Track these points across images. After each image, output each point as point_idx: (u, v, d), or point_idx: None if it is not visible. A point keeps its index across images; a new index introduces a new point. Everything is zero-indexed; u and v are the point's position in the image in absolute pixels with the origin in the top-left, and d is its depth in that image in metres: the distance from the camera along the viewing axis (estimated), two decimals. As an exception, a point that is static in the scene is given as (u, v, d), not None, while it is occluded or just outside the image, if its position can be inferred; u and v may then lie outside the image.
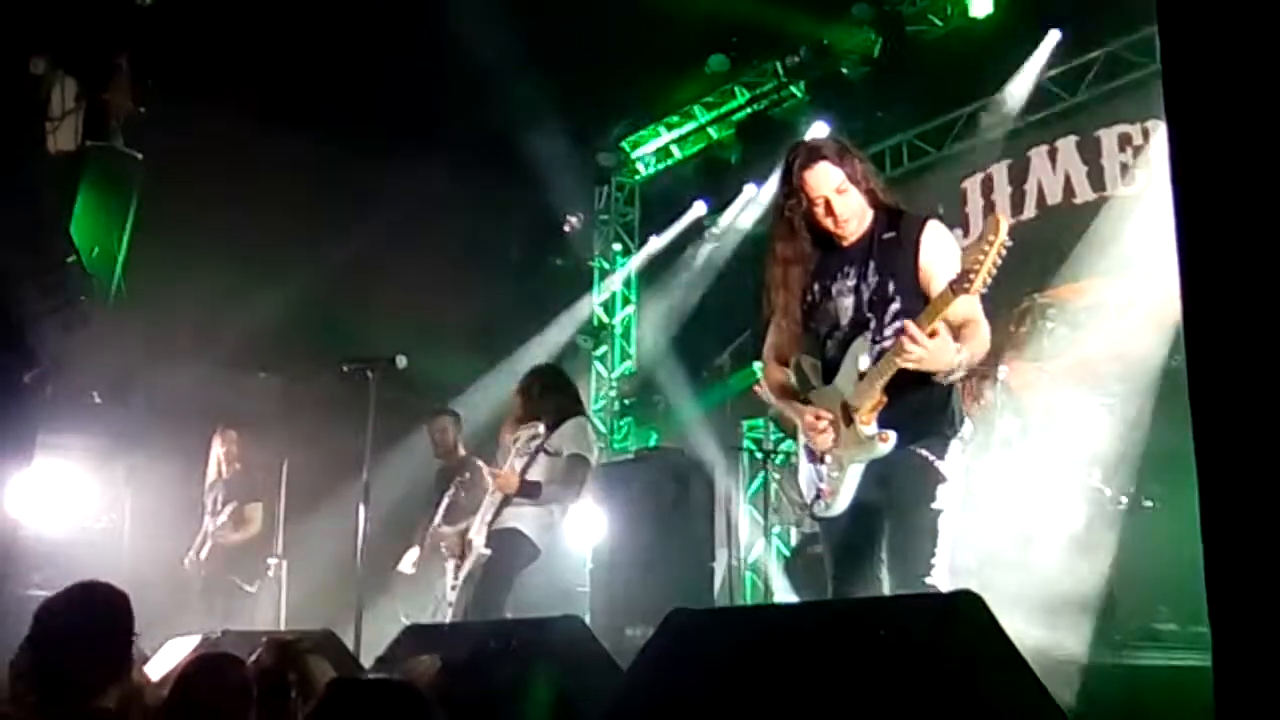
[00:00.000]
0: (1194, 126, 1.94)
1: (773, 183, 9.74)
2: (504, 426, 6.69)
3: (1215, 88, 1.91)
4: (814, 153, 3.82)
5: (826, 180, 3.77)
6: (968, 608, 2.52)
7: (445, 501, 7.44)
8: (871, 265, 3.77)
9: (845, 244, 3.86)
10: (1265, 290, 1.78)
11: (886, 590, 3.66)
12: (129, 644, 3.20)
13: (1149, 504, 6.23)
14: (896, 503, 3.66)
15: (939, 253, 3.74)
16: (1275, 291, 1.77)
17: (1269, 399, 1.74)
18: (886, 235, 3.79)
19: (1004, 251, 3.39)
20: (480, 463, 7.20)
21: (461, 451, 7.71)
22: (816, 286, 3.90)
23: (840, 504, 3.75)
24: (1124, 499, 6.21)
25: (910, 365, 3.49)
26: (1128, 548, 5.88)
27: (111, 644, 3.16)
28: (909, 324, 3.48)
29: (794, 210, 3.85)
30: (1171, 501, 6.10)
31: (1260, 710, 1.66)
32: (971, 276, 3.38)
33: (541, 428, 6.31)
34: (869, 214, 3.84)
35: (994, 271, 3.40)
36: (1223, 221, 1.87)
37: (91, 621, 3.18)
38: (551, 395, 6.46)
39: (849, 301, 3.82)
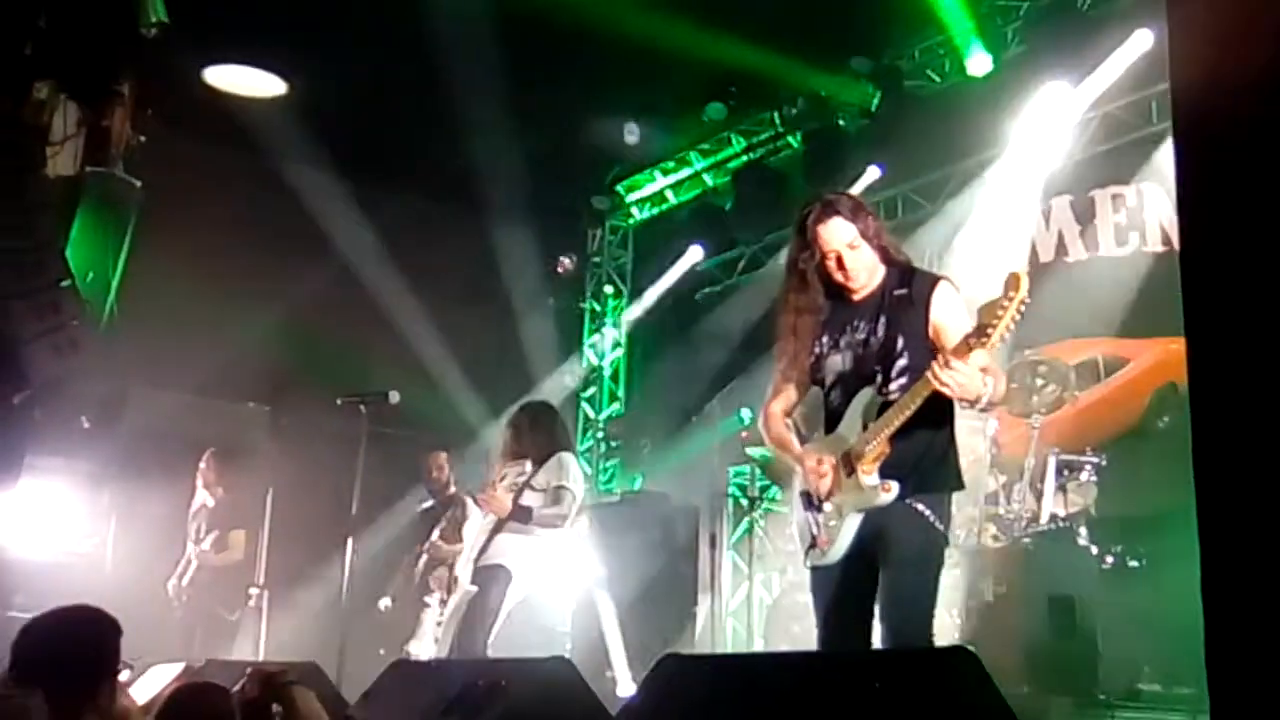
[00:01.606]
0: (1204, 176, 1.98)
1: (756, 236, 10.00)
2: (494, 461, 6.70)
3: (1221, 122, 1.94)
4: (828, 207, 3.91)
5: (839, 235, 3.87)
6: (963, 664, 2.53)
7: (435, 537, 7.43)
8: (881, 320, 3.85)
9: (856, 298, 3.95)
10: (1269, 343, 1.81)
11: (877, 643, 3.67)
12: (111, 667, 3.17)
13: (1135, 564, 6.25)
14: (894, 559, 3.68)
15: (949, 311, 3.82)
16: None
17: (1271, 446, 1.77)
18: (898, 291, 3.86)
19: (1023, 308, 3.45)
20: (469, 499, 7.21)
21: (453, 489, 7.71)
22: (825, 338, 3.97)
23: (835, 553, 3.77)
24: (1110, 558, 6.24)
25: (945, 390, 3.54)
26: (1113, 607, 5.89)
27: (93, 667, 3.14)
28: (942, 356, 3.53)
29: (807, 263, 3.93)
30: (1157, 562, 6.12)
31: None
32: (989, 331, 3.44)
33: (529, 465, 6.33)
34: (880, 270, 3.93)
35: (1012, 327, 3.46)
36: (1226, 256, 1.90)
37: (72, 644, 3.16)
38: (540, 431, 6.50)
39: (856, 355, 3.89)
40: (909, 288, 3.86)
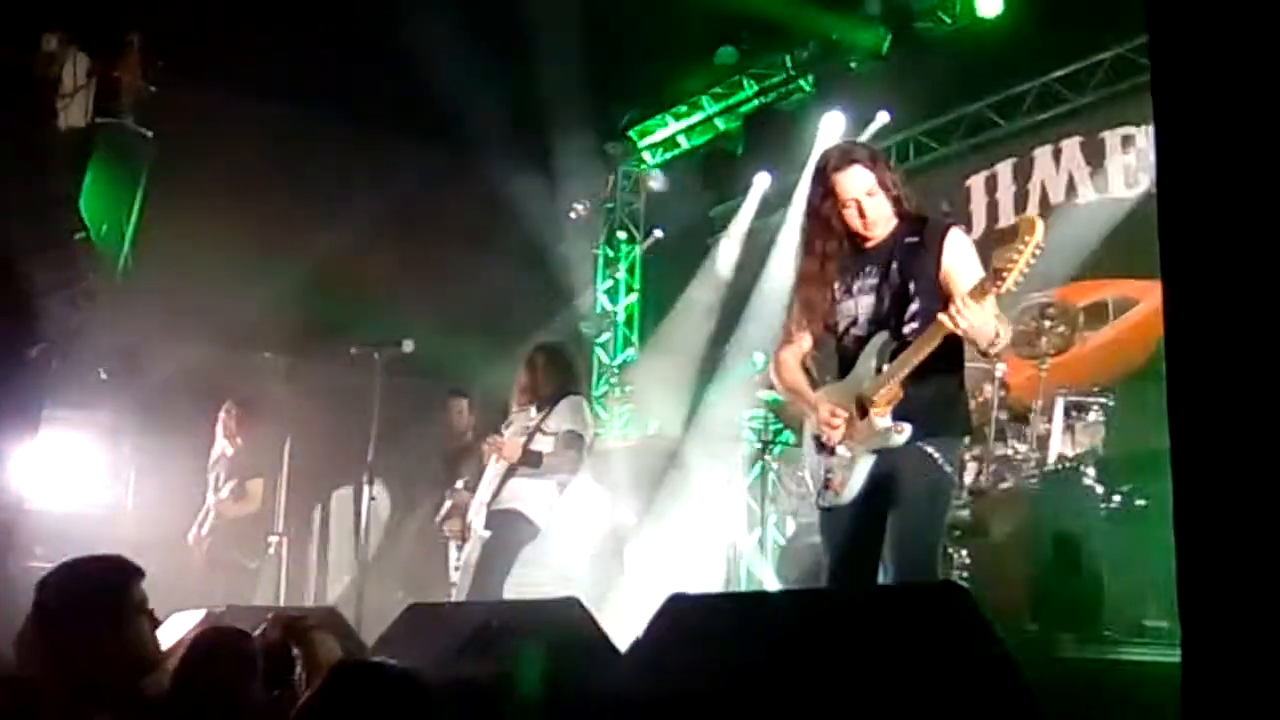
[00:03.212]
0: (1181, 127, 2.00)
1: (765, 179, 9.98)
2: (512, 399, 6.73)
3: (1203, 87, 1.96)
4: (847, 156, 4.00)
5: (858, 183, 3.94)
6: (953, 599, 2.59)
7: (459, 484, 7.48)
8: (894, 267, 3.94)
9: (869, 246, 4.03)
10: (1244, 292, 1.84)
11: (884, 582, 3.77)
12: (130, 611, 3.23)
13: (1141, 503, 6.29)
14: (903, 500, 3.79)
15: (960, 258, 3.90)
16: (1255, 294, 1.83)
17: (1245, 399, 1.80)
18: (909, 239, 3.95)
19: (1038, 252, 3.53)
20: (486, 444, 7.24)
21: (471, 435, 7.73)
22: (838, 284, 4.06)
23: (847, 496, 3.88)
24: (1117, 497, 6.28)
25: (959, 330, 3.63)
26: (1119, 545, 5.94)
27: (111, 612, 3.19)
28: (958, 299, 3.62)
29: (828, 211, 4.01)
30: (1164, 501, 6.12)
31: (1226, 704, 1.73)
32: (1004, 275, 3.51)
33: (535, 411, 6.38)
34: (894, 220, 4.01)
35: (1026, 271, 3.53)
36: (1205, 224, 1.93)
37: (89, 590, 3.22)
38: (553, 372, 6.49)
39: (869, 300, 3.99)
40: (920, 235, 3.94)
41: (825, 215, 4.02)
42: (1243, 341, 1.78)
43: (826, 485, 3.96)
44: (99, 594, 3.20)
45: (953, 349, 3.84)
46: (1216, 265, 1.84)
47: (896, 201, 4.01)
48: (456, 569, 6.80)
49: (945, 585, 2.62)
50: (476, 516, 6.42)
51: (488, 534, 6.25)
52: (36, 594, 3.21)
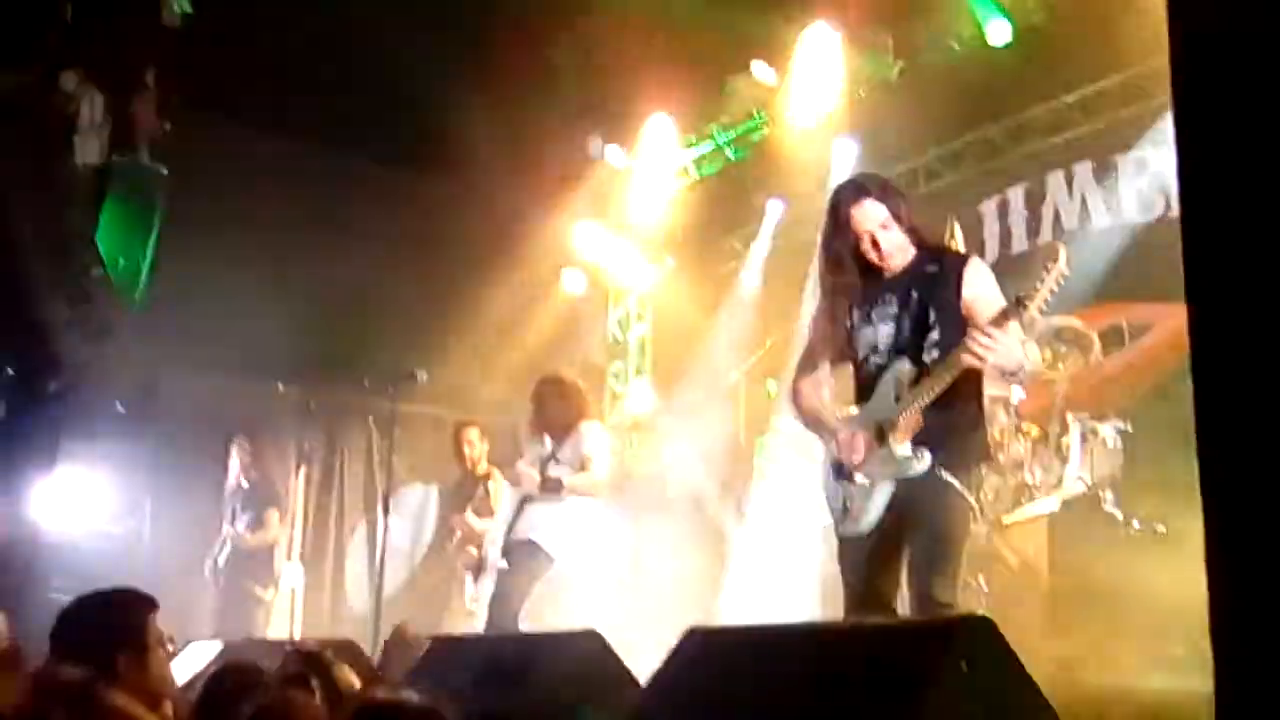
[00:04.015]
0: (1203, 147, 2.00)
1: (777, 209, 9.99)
2: (522, 432, 6.76)
3: (1225, 107, 1.96)
4: (860, 190, 4.07)
5: (872, 216, 4.00)
6: (979, 632, 2.57)
7: (467, 514, 7.48)
8: (914, 295, 3.96)
9: (888, 275, 4.06)
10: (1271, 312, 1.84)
11: (903, 612, 3.76)
12: (143, 643, 3.23)
13: (1161, 529, 6.26)
14: (923, 528, 3.79)
15: (981, 286, 3.92)
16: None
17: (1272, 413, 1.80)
18: (929, 268, 3.98)
19: (1062, 280, 3.59)
20: (498, 473, 7.26)
21: (484, 465, 7.74)
22: (857, 313, 4.09)
23: (866, 524, 3.87)
24: (1136, 523, 6.25)
25: (985, 363, 3.67)
26: (1139, 571, 5.91)
27: (124, 645, 3.19)
28: (980, 327, 3.66)
29: (841, 244, 4.05)
30: (1184, 527, 6.11)
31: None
32: (1026, 302, 3.54)
33: (549, 441, 6.38)
34: (911, 250, 4.04)
35: (1049, 298, 3.55)
36: (1230, 244, 1.93)
37: (103, 623, 3.23)
38: (562, 404, 6.52)
39: (888, 328, 4.01)
40: (940, 264, 3.98)
41: (840, 249, 4.06)
42: (1272, 362, 1.78)
43: (845, 513, 3.97)
44: (117, 628, 3.22)
45: (972, 377, 3.86)
46: (1242, 286, 1.84)
47: (913, 231, 4.04)
48: (474, 600, 6.80)
49: (971, 619, 2.60)
50: (493, 548, 6.42)
51: (505, 565, 6.25)
52: (55, 627, 3.23)
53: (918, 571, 3.77)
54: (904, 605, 3.90)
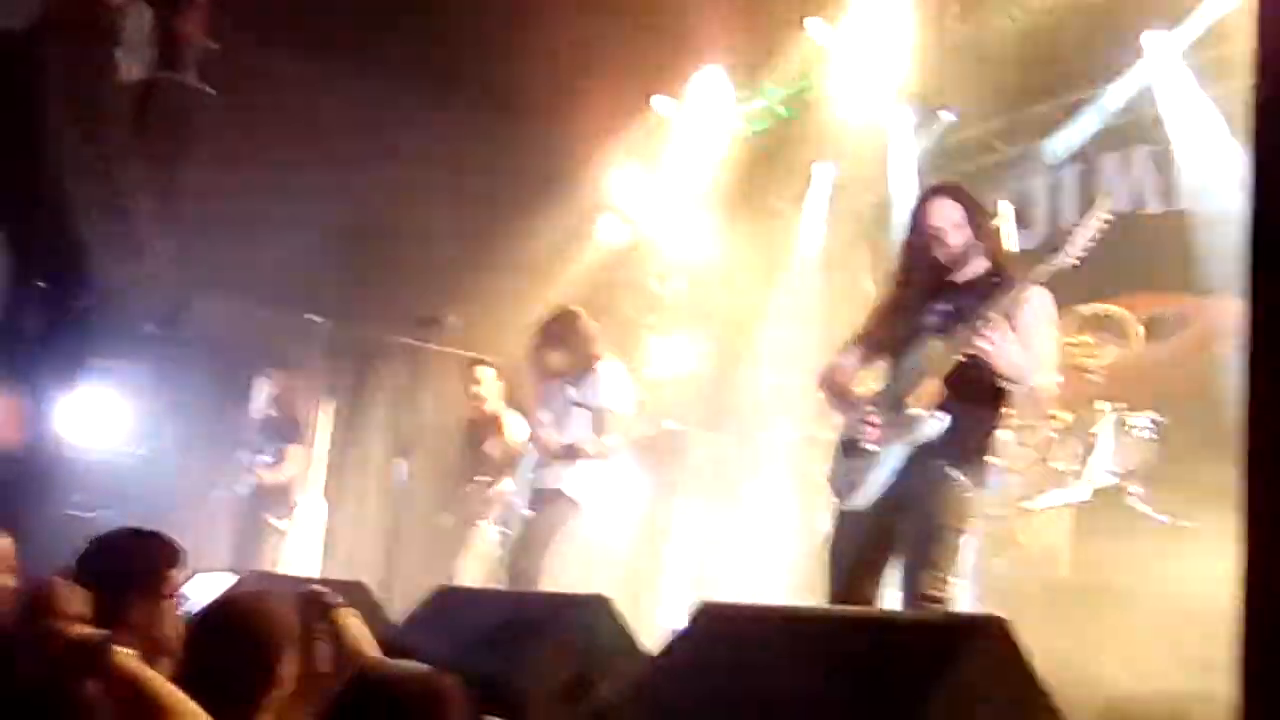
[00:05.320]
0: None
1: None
2: (534, 371, 6.44)
3: None
4: (939, 189, 4.24)
5: (944, 214, 4.09)
6: (996, 632, 2.51)
7: (481, 456, 7.38)
8: (971, 299, 3.99)
9: (956, 281, 4.12)
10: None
11: (887, 598, 3.80)
12: (157, 591, 3.21)
13: (1188, 525, 6.16)
14: (921, 521, 3.82)
15: (1039, 318, 3.96)
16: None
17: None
18: (994, 281, 4.02)
19: (1101, 225, 3.77)
20: (513, 417, 7.06)
21: (494, 406, 7.47)
22: (915, 309, 4.14)
23: (868, 495, 3.87)
24: (1164, 518, 6.16)
25: (984, 352, 3.76)
26: (1162, 567, 5.82)
27: (147, 595, 3.18)
28: (989, 318, 3.76)
29: (914, 241, 4.16)
30: (1213, 526, 6.01)
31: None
32: (1067, 248, 3.69)
33: (567, 385, 6.16)
34: (984, 262, 4.11)
35: (1086, 245, 3.74)
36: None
37: (128, 569, 3.21)
38: (578, 340, 6.23)
39: (935, 320, 4.06)
40: (1006, 283, 3.97)
41: (913, 244, 4.16)
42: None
43: (851, 487, 4.01)
44: (138, 574, 3.20)
45: (992, 380, 3.89)
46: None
47: (987, 241, 4.11)
48: (501, 546, 6.69)
49: (987, 618, 2.54)
50: (519, 497, 6.27)
51: (530, 514, 6.10)
52: (78, 565, 3.21)
53: (907, 563, 3.80)
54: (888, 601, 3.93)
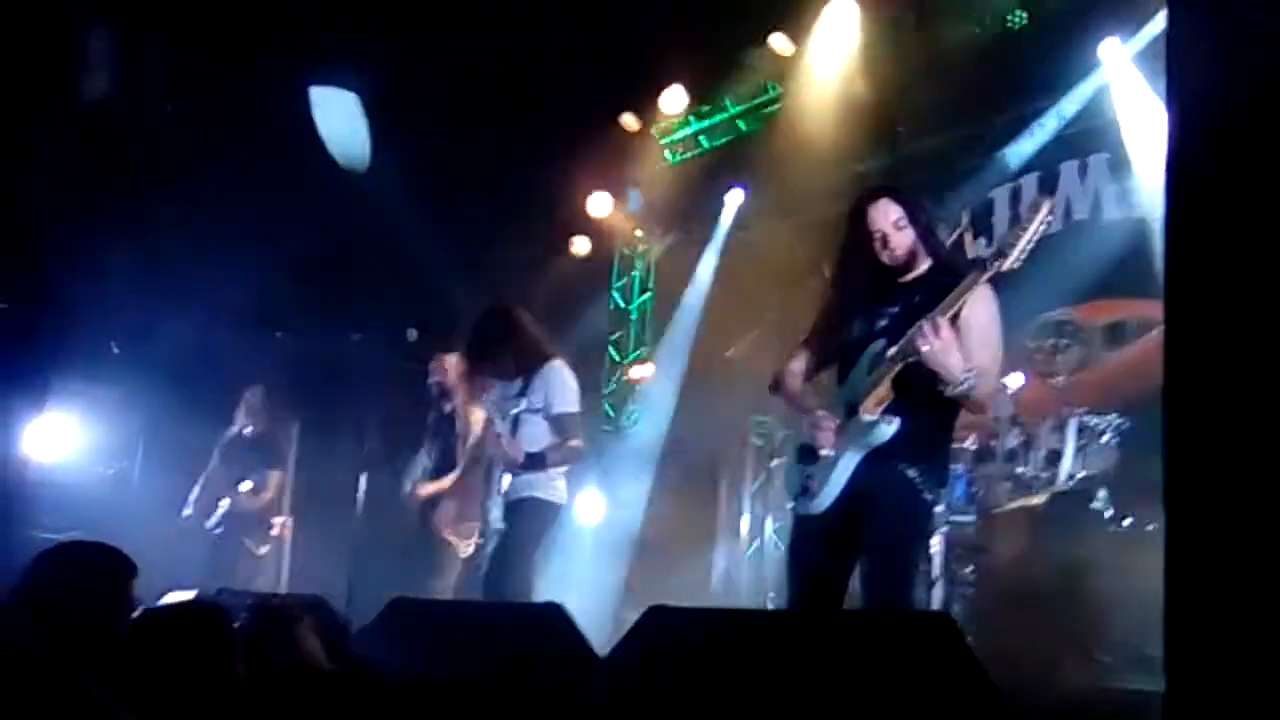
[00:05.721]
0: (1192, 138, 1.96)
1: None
2: (473, 370, 6.08)
3: (1216, 97, 1.92)
4: (879, 190, 4.15)
5: (887, 214, 4.02)
6: (940, 630, 2.53)
7: (437, 455, 7.18)
8: (917, 299, 3.94)
9: (900, 281, 4.07)
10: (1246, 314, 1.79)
11: (847, 603, 3.80)
12: (117, 611, 3.19)
13: (1151, 528, 6.20)
14: (879, 527, 3.80)
15: (981, 312, 3.89)
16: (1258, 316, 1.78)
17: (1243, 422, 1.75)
18: (939, 281, 3.95)
19: (1043, 229, 3.65)
20: (476, 413, 6.80)
21: (457, 400, 7.11)
22: (862, 312, 4.09)
23: (824, 500, 3.87)
24: (1127, 521, 6.19)
25: (921, 351, 3.70)
26: (1125, 570, 5.85)
27: (98, 612, 3.16)
28: (931, 319, 3.70)
29: (855, 244, 4.09)
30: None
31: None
32: (1006, 252, 3.53)
33: (515, 387, 5.85)
34: (926, 260, 4.05)
35: (1028, 248, 3.64)
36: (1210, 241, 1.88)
37: (81, 585, 3.19)
38: (512, 344, 5.86)
39: (884, 323, 4.01)
40: (951, 279, 3.91)
41: (852, 246, 4.10)
42: (1243, 363, 1.74)
43: (804, 490, 3.97)
44: (95, 588, 3.18)
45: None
46: (1221, 285, 1.80)
47: (928, 242, 4.05)
48: (466, 560, 6.61)
49: (931, 616, 2.56)
50: (494, 509, 6.03)
51: (504, 526, 5.86)
52: (33, 568, 3.20)
53: (867, 566, 3.79)
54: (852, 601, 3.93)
